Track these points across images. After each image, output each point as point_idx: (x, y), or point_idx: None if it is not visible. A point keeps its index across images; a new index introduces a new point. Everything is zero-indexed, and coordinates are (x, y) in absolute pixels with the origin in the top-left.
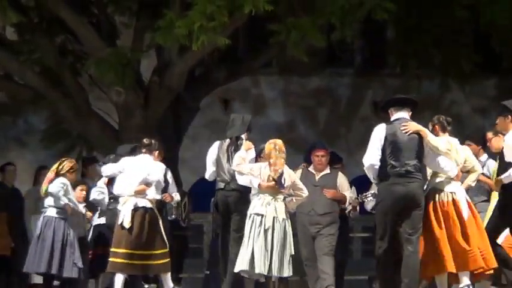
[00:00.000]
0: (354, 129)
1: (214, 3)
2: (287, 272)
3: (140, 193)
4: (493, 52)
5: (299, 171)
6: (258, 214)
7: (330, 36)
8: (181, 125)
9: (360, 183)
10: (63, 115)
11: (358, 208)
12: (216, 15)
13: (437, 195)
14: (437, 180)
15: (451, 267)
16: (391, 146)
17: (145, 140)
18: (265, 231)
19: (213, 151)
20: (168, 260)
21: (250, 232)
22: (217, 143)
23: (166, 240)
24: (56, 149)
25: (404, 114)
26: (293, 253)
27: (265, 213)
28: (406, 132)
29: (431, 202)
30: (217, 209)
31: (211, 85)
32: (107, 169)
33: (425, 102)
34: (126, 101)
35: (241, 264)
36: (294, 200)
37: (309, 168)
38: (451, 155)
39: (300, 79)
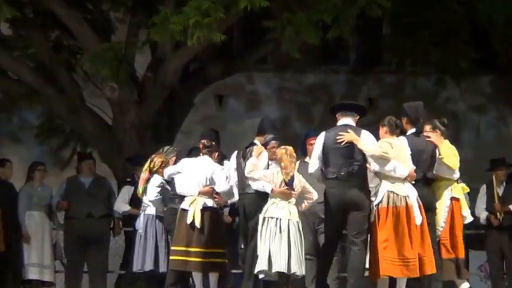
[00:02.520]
0: None
1: None
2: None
3: (206, 194)
4: (489, 49)
5: (296, 165)
6: (272, 217)
7: (325, 33)
8: (175, 121)
9: None
10: (57, 111)
11: None
12: (211, 11)
13: (389, 198)
14: (390, 182)
15: (391, 271)
16: (329, 153)
17: (205, 142)
18: (281, 232)
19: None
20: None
21: (265, 234)
22: (235, 153)
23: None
24: (50, 144)
25: (349, 120)
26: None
27: (280, 216)
28: (341, 142)
29: (384, 205)
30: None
31: (205, 81)
32: (169, 170)
33: (420, 99)
34: (120, 97)
35: (260, 265)
36: (306, 204)
37: (305, 160)
38: (389, 157)
39: (295, 75)
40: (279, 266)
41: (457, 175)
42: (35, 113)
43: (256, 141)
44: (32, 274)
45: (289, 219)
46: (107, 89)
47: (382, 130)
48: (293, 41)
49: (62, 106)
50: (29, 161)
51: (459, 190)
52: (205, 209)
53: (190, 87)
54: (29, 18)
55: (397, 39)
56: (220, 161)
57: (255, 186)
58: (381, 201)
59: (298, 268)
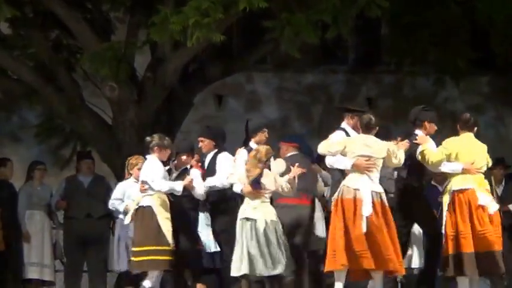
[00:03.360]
0: None
1: None
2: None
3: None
4: (487, 49)
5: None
6: (248, 219)
7: (324, 33)
8: (175, 121)
9: None
10: (57, 110)
11: None
12: (210, 11)
13: (341, 191)
14: (347, 176)
15: (340, 264)
16: None
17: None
18: (257, 234)
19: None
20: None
21: (242, 237)
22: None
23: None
24: (50, 144)
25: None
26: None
27: (256, 217)
28: None
29: (336, 198)
30: None
31: (205, 81)
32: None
33: (419, 99)
34: (120, 96)
35: (239, 269)
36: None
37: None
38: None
39: (294, 75)
40: (262, 269)
41: (447, 168)
42: (35, 113)
43: (252, 143)
44: (32, 273)
45: (265, 220)
46: (107, 88)
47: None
48: (292, 41)
49: (61, 105)
50: (28, 161)
51: (465, 180)
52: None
53: (190, 87)
54: (28, 18)
55: (396, 39)
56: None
57: (235, 188)
58: (338, 194)
59: (282, 268)
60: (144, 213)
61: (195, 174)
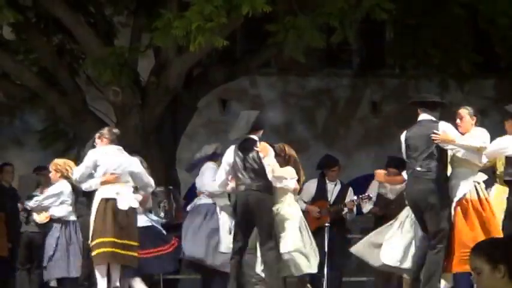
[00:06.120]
0: (353, 130)
1: (211, 4)
2: None
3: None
4: (491, 52)
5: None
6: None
7: (329, 37)
8: (179, 125)
9: (358, 185)
10: (60, 115)
11: (354, 210)
12: (213, 15)
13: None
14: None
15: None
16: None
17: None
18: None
19: (228, 157)
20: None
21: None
22: (232, 148)
23: None
24: (53, 149)
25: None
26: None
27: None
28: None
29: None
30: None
31: (209, 85)
32: None
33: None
34: (124, 101)
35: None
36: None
37: None
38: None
39: (298, 80)
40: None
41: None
42: (38, 117)
43: (253, 136)
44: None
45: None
46: (111, 93)
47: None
48: (296, 45)
49: (64, 110)
50: (32, 165)
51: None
52: None
53: (194, 91)
54: (31, 23)
55: (399, 42)
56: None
57: (280, 184)
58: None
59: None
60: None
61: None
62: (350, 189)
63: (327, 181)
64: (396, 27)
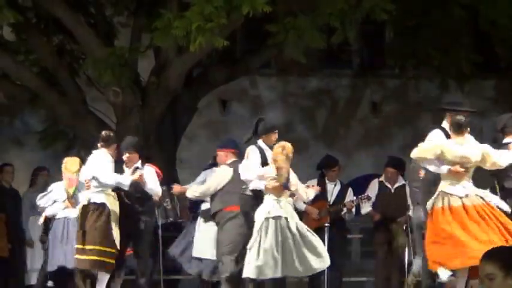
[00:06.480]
0: (353, 130)
1: (212, 4)
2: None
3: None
4: (491, 52)
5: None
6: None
7: (329, 37)
8: (179, 126)
9: (358, 185)
10: (60, 115)
11: (354, 210)
12: (213, 15)
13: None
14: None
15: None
16: None
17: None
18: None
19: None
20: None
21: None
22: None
23: None
24: (53, 149)
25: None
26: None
27: (283, 214)
28: None
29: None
30: None
31: (209, 86)
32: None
33: (424, 102)
34: (124, 101)
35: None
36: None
37: None
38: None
39: (299, 80)
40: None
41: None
42: (38, 118)
43: (260, 142)
44: (35, 280)
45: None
46: (111, 93)
47: None
48: (296, 46)
49: (65, 110)
50: (32, 166)
51: None
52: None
53: (194, 91)
54: (31, 23)
55: (400, 43)
56: None
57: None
58: None
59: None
60: (95, 210)
61: (148, 170)
62: (350, 189)
63: (327, 181)
64: (396, 27)
